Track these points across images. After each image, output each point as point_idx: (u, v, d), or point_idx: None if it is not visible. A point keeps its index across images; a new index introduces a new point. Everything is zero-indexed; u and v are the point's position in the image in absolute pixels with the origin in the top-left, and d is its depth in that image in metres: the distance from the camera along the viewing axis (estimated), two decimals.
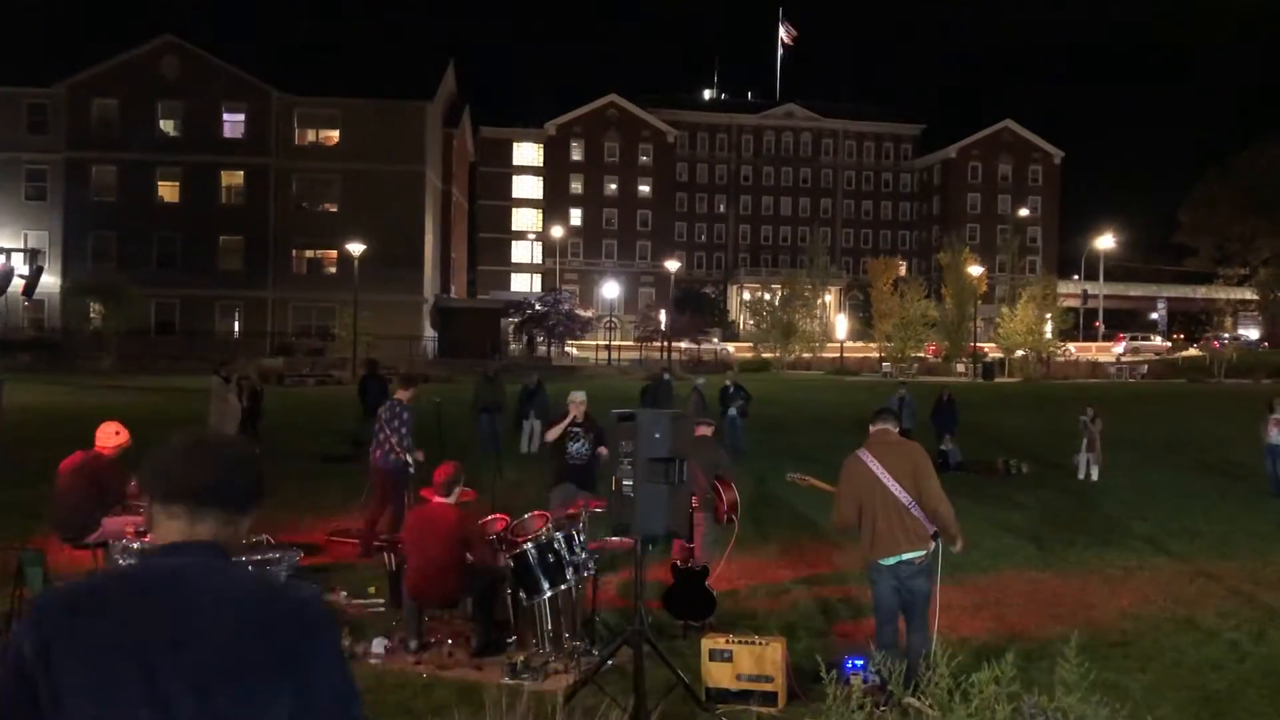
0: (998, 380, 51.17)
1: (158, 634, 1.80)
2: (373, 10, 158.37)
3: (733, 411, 21.86)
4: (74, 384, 34.28)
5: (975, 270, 59.07)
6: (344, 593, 8.78)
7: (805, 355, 60.15)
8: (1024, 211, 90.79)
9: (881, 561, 6.00)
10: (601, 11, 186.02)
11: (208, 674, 1.79)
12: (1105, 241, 75.60)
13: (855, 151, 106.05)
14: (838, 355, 61.28)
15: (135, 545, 7.38)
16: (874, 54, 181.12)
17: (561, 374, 43.10)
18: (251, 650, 1.82)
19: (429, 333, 56.58)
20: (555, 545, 6.72)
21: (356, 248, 44.88)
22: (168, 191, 54.55)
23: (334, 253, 53.75)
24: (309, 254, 55.87)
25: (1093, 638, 7.78)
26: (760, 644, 6.23)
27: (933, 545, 6.02)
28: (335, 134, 55.54)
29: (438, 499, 7.36)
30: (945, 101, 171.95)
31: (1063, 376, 54.21)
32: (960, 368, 56.35)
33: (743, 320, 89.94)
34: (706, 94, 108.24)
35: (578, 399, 10.04)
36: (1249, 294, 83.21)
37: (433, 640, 7.26)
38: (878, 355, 60.42)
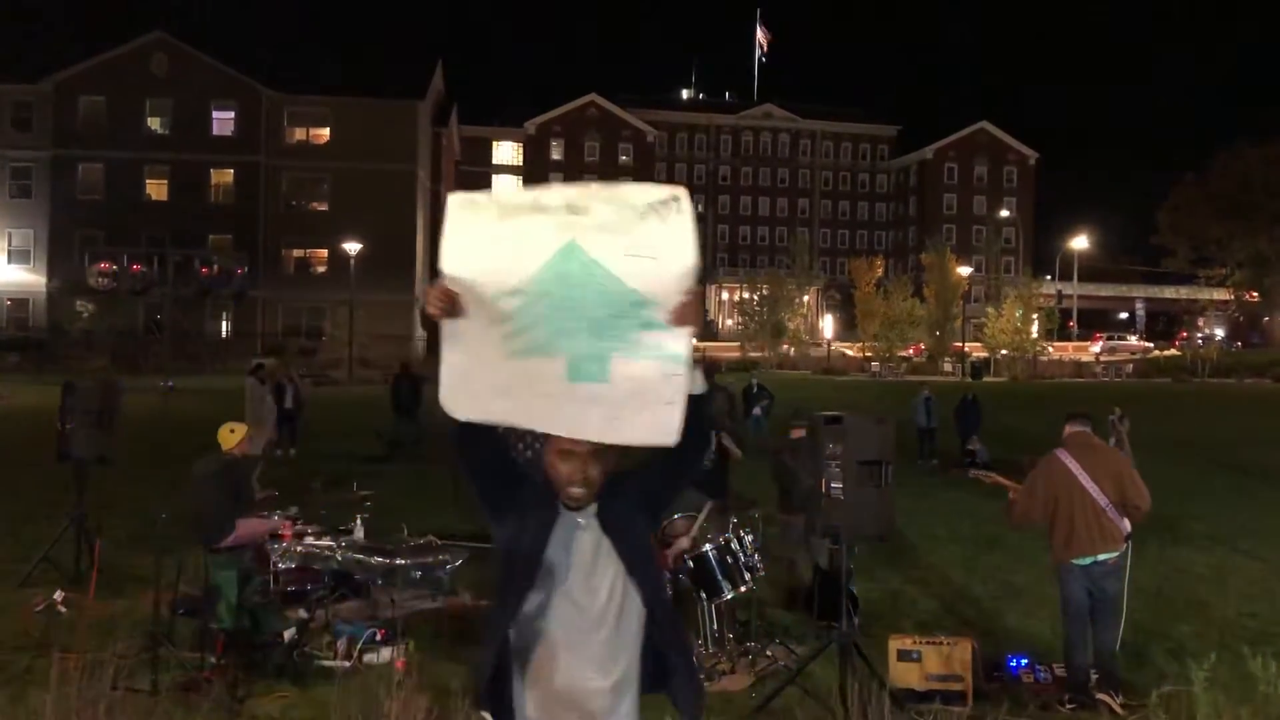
0: (985, 380, 51.62)
1: None
2: (360, 8, 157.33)
3: (757, 411, 22.38)
4: None
5: (964, 271, 59.67)
6: (469, 593, 8.83)
7: (792, 354, 60.51)
8: (1004, 213, 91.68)
9: (1076, 562, 6.16)
10: (580, 11, 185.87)
11: None
12: (1080, 242, 76.54)
13: (832, 152, 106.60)
14: (823, 355, 61.60)
15: (298, 549, 7.42)
16: (851, 55, 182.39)
17: None
18: None
19: (419, 332, 56.28)
20: (734, 548, 6.83)
21: (353, 247, 44.60)
22: (156, 190, 53.85)
23: (324, 252, 53.44)
24: (299, 253, 55.38)
25: (1226, 636, 7.99)
26: (949, 644, 6.37)
27: (1124, 546, 6.19)
28: (325, 132, 55.09)
29: None
30: (922, 102, 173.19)
31: (1048, 376, 54.82)
32: (947, 367, 56.79)
33: (721, 319, 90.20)
34: (685, 94, 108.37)
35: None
36: (1218, 294, 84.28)
37: None
38: (860, 354, 60.79)
